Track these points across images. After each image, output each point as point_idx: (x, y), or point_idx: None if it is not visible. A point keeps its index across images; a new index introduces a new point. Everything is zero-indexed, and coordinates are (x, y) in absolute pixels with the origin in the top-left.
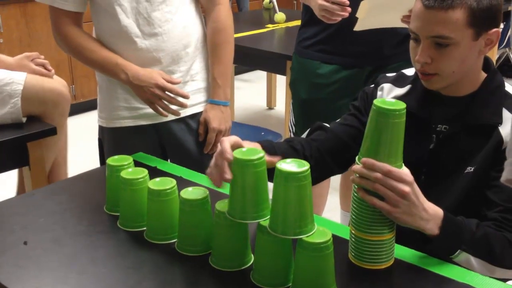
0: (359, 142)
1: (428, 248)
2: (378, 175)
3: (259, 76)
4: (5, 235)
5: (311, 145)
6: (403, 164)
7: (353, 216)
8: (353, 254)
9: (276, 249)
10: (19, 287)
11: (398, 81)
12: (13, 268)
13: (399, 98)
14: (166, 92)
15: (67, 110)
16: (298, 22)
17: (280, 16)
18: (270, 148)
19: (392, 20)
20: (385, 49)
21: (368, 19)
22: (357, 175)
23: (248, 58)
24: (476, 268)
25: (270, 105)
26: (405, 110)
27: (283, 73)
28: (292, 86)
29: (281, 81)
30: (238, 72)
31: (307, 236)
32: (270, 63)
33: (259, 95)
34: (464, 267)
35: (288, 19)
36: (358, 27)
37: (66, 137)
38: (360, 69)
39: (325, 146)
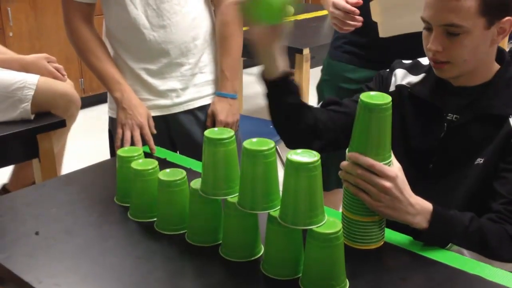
0: None
1: (418, 241)
2: (359, 171)
3: None
4: (17, 225)
5: (325, 114)
6: (391, 155)
7: (345, 199)
8: (345, 235)
9: (286, 239)
10: (31, 277)
11: (413, 69)
12: (25, 258)
13: (413, 85)
14: (137, 133)
15: (75, 115)
16: (306, 16)
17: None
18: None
19: (415, 23)
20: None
21: (388, 23)
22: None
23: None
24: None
25: None
26: (390, 104)
27: (291, 66)
28: (318, 87)
29: None
30: (246, 66)
31: (317, 227)
32: None
33: None
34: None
35: (296, 13)
36: (382, 33)
37: (66, 139)
38: None
39: (337, 118)
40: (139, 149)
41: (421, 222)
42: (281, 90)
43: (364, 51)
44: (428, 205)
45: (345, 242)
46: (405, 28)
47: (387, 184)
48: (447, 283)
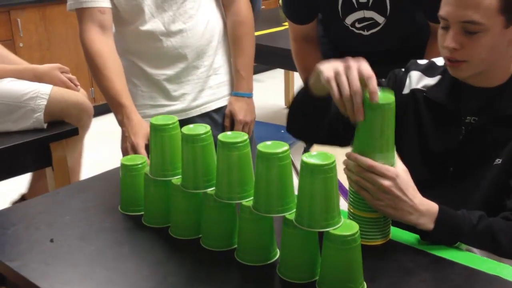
0: None
1: (426, 241)
2: (360, 169)
3: (276, 76)
4: (32, 233)
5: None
6: (395, 155)
7: (350, 195)
8: None
9: (303, 242)
10: (46, 284)
11: (429, 70)
12: (40, 265)
13: (429, 88)
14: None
15: (88, 124)
16: None
17: None
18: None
19: None
20: None
21: None
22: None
23: (266, 57)
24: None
25: (288, 104)
26: (394, 104)
27: None
28: None
29: (299, 80)
30: (255, 71)
31: (334, 229)
32: (289, 60)
33: (277, 94)
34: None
35: None
36: None
37: (82, 148)
38: None
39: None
40: (143, 157)
41: (427, 223)
42: (325, 106)
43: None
44: (434, 206)
45: None
46: None
47: (386, 183)
48: (466, 284)
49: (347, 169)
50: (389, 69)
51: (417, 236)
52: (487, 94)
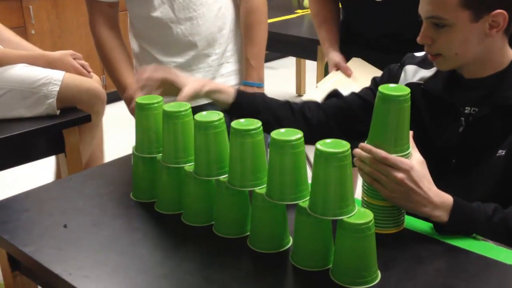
0: (368, 114)
1: (440, 234)
2: (373, 160)
3: (287, 64)
4: (45, 218)
5: (318, 108)
6: (410, 147)
7: (364, 183)
8: None
9: (316, 230)
10: (60, 269)
11: (425, 62)
12: (54, 250)
13: (425, 80)
14: None
15: (102, 110)
16: None
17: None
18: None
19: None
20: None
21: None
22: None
23: (278, 44)
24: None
25: (299, 92)
26: (409, 96)
27: (314, 58)
28: (325, 67)
29: (310, 68)
30: (267, 59)
31: (348, 217)
32: (301, 48)
33: (288, 83)
34: None
35: None
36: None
37: (101, 134)
38: None
39: (332, 110)
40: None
41: (442, 215)
42: (245, 109)
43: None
44: (448, 198)
45: None
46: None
47: (400, 175)
48: (482, 274)
49: (360, 161)
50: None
51: (431, 225)
52: (484, 84)
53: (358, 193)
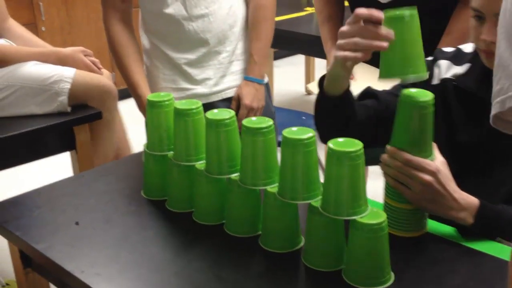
0: None
1: (464, 237)
2: (398, 163)
3: (296, 62)
4: (57, 215)
5: (364, 112)
6: (433, 151)
7: (386, 184)
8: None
9: (328, 230)
10: (72, 265)
11: (456, 58)
12: (65, 247)
13: (458, 76)
14: None
15: (113, 106)
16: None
17: None
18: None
19: None
20: None
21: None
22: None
23: (287, 42)
24: None
25: (309, 90)
26: (433, 101)
27: (323, 56)
28: None
29: (320, 66)
30: (275, 57)
31: (361, 217)
32: (310, 46)
33: (298, 81)
34: None
35: None
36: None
37: (122, 127)
38: None
39: (377, 116)
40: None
41: (467, 217)
42: (342, 105)
43: None
44: (474, 200)
45: (389, 230)
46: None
47: (427, 178)
48: (498, 277)
49: (384, 164)
50: None
51: (449, 227)
52: None
53: (369, 193)
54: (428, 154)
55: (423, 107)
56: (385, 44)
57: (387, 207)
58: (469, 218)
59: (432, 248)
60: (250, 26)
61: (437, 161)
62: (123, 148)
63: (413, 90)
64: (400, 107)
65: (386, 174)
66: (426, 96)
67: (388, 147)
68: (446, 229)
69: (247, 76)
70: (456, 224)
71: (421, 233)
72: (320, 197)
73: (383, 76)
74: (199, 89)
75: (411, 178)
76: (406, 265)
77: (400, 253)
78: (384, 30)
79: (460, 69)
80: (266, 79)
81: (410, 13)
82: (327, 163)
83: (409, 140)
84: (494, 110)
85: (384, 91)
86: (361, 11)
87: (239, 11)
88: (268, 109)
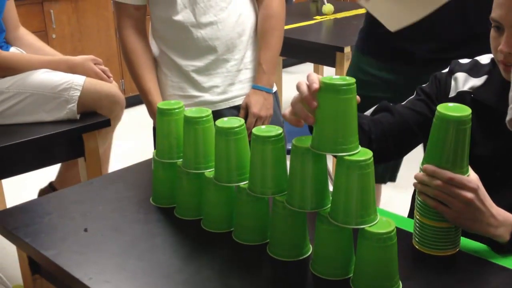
0: (425, 130)
1: (499, 254)
2: (439, 182)
3: (305, 70)
4: (66, 222)
5: (378, 127)
6: (469, 170)
7: (418, 202)
8: (417, 239)
9: (337, 239)
10: (80, 273)
11: (473, 70)
12: (74, 254)
13: (476, 89)
14: None
15: (120, 115)
16: (346, 14)
17: (328, 7)
18: None
19: (417, 9)
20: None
21: (389, 16)
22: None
23: (296, 50)
24: None
25: None
26: (470, 117)
27: (332, 65)
28: (347, 74)
29: (328, 74)
30: (285, 65)
31: (369, 226)
32: (319, 55)
33: None
34: None
35: (336, 11)
36: (391, 27)
37: (111, 138)
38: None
39: (391, 131)
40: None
41: (504, 233)
42: None
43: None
44: (510, 216)
45: (417, 247)
46: (411, 17)
47: (469, 195)
48: (504, 287)
49: (421, 184)
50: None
51: (479, 244)
52: None
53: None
54: (465, 170)
55: (461, 122)
56: (311, 119)
57: (422, 226)
58: (506, 235)
59: (437, 256)
60: (259, 36)
61: (474, 177)
62: (104, 162)
63: (449, 105)
64: (436, 123)
65: (423, 194)
66: (464, 111)
67: (426, 165)
68: (476, 245)
69: (256, 85)
70: (486, 241)
71: (455, 251)
72: (329, 205)
73: (314, 148)
74: (207, 97)
75: (453, 196)
76: (412, 273)
77: (405, 260)
78: (314, 102)
79: (477, 81)
80: (274, 88)
81: (347, 83)
82: (337, 171)
83: (446, 157)
84: (510, 115)
85: (400, 106)
86: (299, 83)
87: (248, 20)
88: (276, 118)
